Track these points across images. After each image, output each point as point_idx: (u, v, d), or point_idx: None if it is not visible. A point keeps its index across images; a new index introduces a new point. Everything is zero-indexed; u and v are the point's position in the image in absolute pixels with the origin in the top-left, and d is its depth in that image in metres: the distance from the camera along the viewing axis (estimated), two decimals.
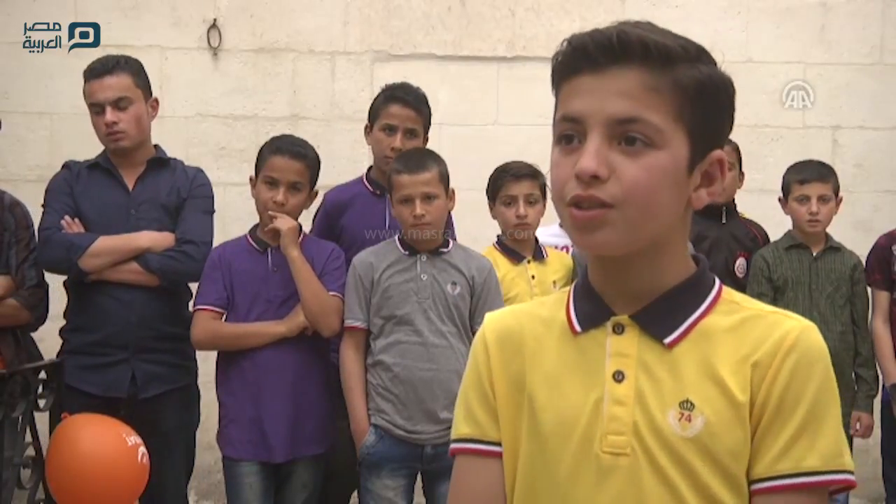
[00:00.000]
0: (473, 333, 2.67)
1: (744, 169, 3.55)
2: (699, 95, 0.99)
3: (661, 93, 0.97)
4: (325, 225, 3.04)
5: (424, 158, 2.73)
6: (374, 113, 3.05)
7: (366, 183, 3.09)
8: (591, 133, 0.98)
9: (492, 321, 1.15)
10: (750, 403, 0.99)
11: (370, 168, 3.15)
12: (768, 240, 3.53)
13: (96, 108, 2.85)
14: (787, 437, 0.98)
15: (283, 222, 2.71)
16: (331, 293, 2.74)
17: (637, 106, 0.97)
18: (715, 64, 1.02)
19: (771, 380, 0.99)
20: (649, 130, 0.97)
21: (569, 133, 1.00)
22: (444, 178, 2.71)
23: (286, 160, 2.76)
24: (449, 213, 2.83)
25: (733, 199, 3.51)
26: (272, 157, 2.77)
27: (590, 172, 0.96)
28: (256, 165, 2.83)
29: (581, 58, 0.99)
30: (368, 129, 3.10)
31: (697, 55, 1.00)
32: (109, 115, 2.81)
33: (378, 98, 3.09)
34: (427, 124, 3.10)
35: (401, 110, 2.99)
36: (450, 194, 2.74)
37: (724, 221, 3.43)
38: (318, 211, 3.11)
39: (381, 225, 2.93)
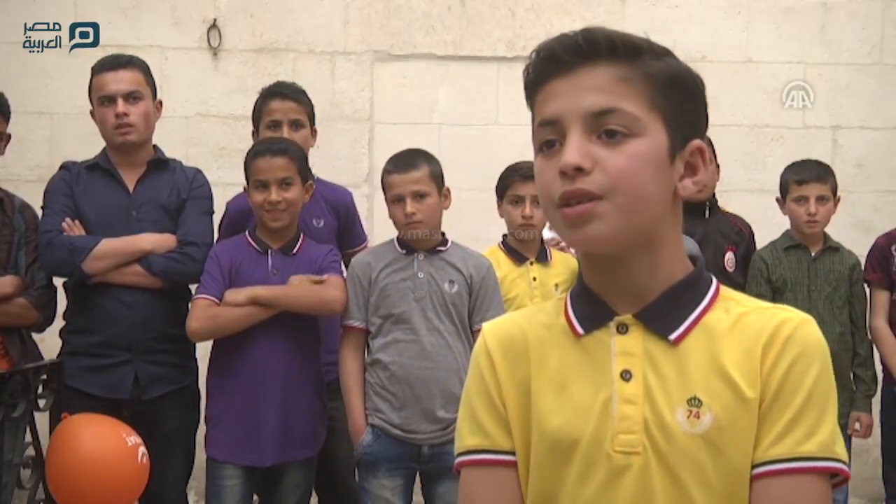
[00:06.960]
0: (472, 332, 2.69)
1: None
2: (669, 85, 1.01)
3: (632, 82, 0.99)
4: (231, 230, 2.98)
5: (414, 157, 2.72)
6: (257, 115, 3.07)
7: None
8: (570, 131, 0.99)
9: (491, 329, 1.14)
10: (760, 398, 0.99)
11: None
12: (752, 232, 3.52)
13: (106, 101, 2.83)
14: (785, 423, 0.98)
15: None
16: (328, 275, 2.73)
17: (611, 97, 0.98)
18: (681, 63, 1.05)
19: (770, 367, 0.99)
20: (626, 120, 0.98)
21: (549, 138, 1.01)
22: (437, 177, 2.70)
23: (268, 159, 2.74)
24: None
25: (714, 195, 3.49)
26: (255, 162, 2.76)
27: (573, 164, 0.97)
28: (245, 176, 2.83)
29: (551, 63, 1.01)
30: (255, 135, 3.09)
31: (663, 51, 1.03)
32: (121, 106, 2.80)
33: (257, 101, 3.09)
34: (311, 115, 3.09)
35: (281, 104, 3.02)
36: (444, 193, 2.73)
37: (707, 217, 3.39)
38: (223, 217, 3.06)
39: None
